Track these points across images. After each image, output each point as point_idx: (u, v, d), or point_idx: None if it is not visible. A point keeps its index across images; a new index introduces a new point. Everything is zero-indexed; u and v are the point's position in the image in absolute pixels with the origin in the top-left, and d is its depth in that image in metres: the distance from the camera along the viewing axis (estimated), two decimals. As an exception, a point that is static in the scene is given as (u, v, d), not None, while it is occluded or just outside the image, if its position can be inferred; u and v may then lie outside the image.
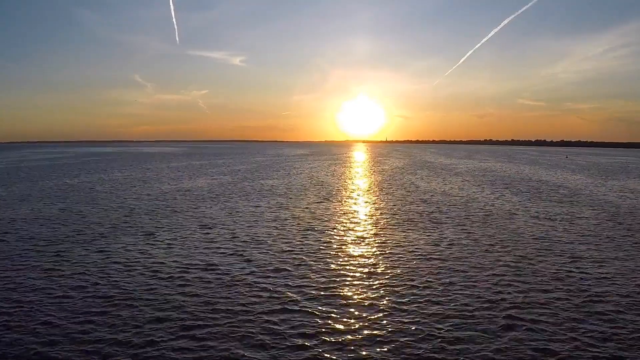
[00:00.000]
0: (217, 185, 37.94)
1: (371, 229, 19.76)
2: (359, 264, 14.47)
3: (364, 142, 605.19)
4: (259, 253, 15.70)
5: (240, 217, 22.65)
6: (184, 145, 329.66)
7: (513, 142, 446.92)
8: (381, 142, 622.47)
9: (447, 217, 22.67)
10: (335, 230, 19.43)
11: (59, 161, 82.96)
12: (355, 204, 27.71)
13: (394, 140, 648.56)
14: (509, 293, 11.91)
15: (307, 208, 25.55)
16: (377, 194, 32.85)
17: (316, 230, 19.37)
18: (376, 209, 25.36)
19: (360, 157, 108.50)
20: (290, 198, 29.86)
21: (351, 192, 34.05)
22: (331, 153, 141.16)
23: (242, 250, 16.01)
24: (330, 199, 29.73)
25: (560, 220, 22.14)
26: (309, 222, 21.20)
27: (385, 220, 21.94)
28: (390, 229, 19.83)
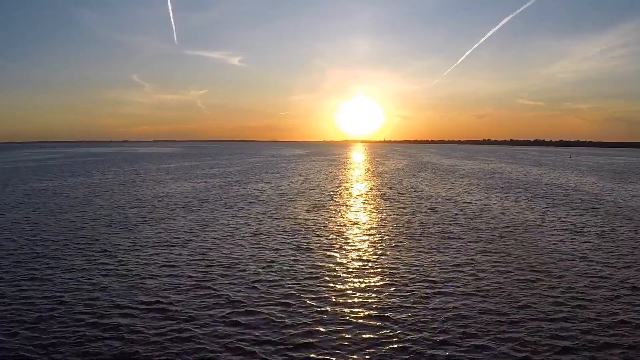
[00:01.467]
0: (201, 190, 34.60)
1: (374, 247, 16.44)
2: (359, 293, 11.15)
3: (362, 142, 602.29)
4: (231, 281, 12.37)
5: (217, 230, 19.32)
6: (183, 146, 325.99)
7: (512, 142, 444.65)
8: (380, 142, 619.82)
9: (462, 231, 19.36)
10: (330, 249, 16.10)
11: (51, 162, 79.45)
12: (354, 213, 24.40)
13: (392, 140, 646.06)
14: (560, 339, 8.63)
15: (297, 219, 22.23)
16: (379, 201, 29.55)
17: (306, 249, 16.05)
18: (379, 221, 22.04)
19: (359, 158, 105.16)
20: (280, 206, 26.55)
21: (349, 199, 30.76)
22: (329, 153, 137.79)
23: (210, 277, 12.68)
24: (325, 207, 26.41)
25: (595, 235, 18.83)
26: (298, 238, 17.88)
27: (390, 234, 18.63)
28: (397, 246, 16.51)
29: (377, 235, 18.37)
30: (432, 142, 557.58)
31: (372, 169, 62.92)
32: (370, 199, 29.80)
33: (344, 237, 18.12)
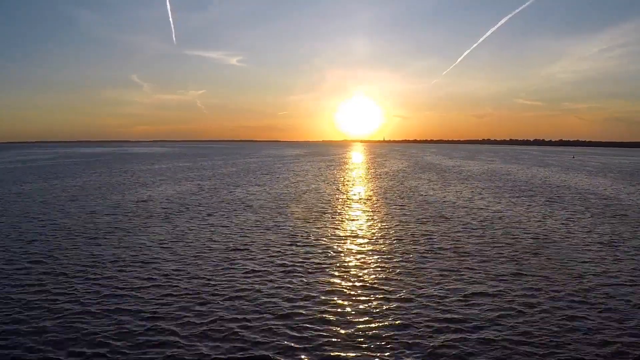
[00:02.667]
0: (187, 194, 31.90)
1: (378, 268, 13.75)
2: (361, 324, 8.49)
3: (362, 142, 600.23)
4: (198, 312, 9.69)
5: (191, 243, 16.60)
6: (182, 146, 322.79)
7: (512, 142, 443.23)
8: (379, 142, 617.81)
9: (478, 244, 16.65)
10: (324, 270, 13.40)
11: (44, 163, 76.66)
12: (353, 223, 21.71)
13: (392, 140, 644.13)
14: None
15: (288, 230, 19.56)
16: (381, 207, 26.88)
17: (295, 269, 13.35)
18: (381, 232, 19.35)
19: (358, 158, 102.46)
20: (270, 214, 23.87)
21: (348, 205, 28.08)
22: (328, 153, 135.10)
23: (171, 307, 10.00)
24: (321, 216, 23.72)
25: (634, 249, 16.17)
26: (286, 255, 15.20)
27: (395, 250, 15.94)
28: (405, 265, 13.82)
29: (381, 251, 15.68)
30: (431, 142, 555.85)
31: (372, 170, 60.25)
32: (371, 205, 27.14)
33: (341, 254, 15.45)
